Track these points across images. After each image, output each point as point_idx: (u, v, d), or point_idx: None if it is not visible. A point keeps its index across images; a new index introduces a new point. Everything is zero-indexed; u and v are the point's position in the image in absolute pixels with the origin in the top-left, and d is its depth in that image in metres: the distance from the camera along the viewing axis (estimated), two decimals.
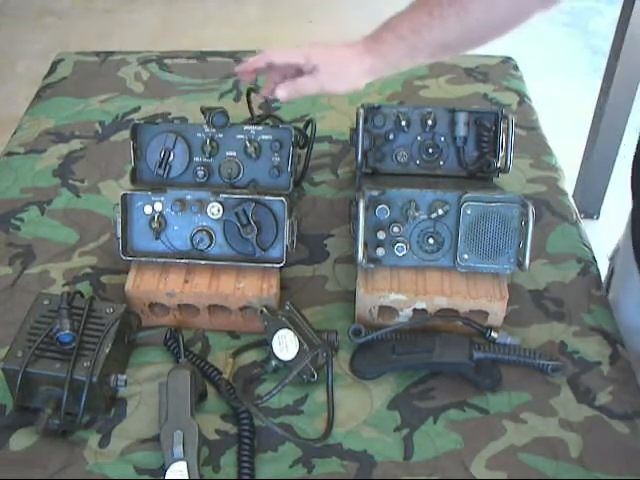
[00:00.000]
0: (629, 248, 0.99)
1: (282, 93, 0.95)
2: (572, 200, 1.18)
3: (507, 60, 1.46)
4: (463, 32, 0.92)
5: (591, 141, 2.19)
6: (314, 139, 1.12)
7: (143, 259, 0.95)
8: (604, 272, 1.06)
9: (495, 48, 1.09)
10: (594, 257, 1.07)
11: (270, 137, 0.98)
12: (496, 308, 0.92)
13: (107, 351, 0.84)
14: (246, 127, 0.98)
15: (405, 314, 0.93)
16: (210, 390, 0.88)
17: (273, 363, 0.89)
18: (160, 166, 0.97)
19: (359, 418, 0.86)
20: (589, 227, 1.23)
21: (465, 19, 0.90)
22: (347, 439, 0.84)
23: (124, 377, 0.85)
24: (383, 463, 0.82)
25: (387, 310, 0.94)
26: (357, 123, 1.00)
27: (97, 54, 1.48)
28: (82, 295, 0.91)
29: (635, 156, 0.97)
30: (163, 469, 0.78)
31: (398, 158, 1.04)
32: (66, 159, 1.22)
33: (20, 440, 0.84)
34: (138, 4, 3.30)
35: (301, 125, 1.13)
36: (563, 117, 2.49)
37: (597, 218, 2.29)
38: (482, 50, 1.03)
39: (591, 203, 2.27)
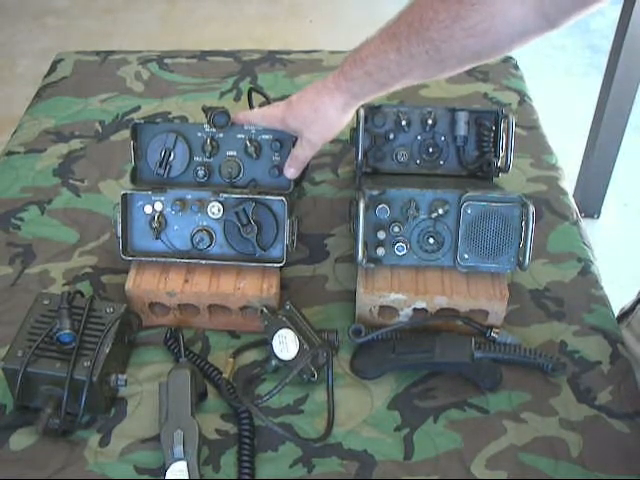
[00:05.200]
0: None
1: (289, 174, 0.97)
2: (572, 199, 1.17)
3: (507, 59, 1.46)
4: (435, 67, 0.85)
5: (591, 140, 2.18)
6: None
7: (143, 259, 0.95)
8: (604, 272, 1.06)
9: None
10: (594, 257, 1.07)
11: (270, 137, 0.98)
12: (496, 307, 0.92)
13: (107, 351, 0.84)
14: (246, 127, 0.98)
15: (405, 314, 0.93)
16: (210, 390, 0.88)
17: (273, 363, 0.89)
18: (160, 166, 0.97)
19: (359, 418, 0.86)
20: (589, 226, 1.23)
21: (436, 57, 0.82)
22: (347, 439, 0.84)
23: (124, 377, 0.85)
24: (383, 463, 0.82)
25: (387, 310, 0.94)
26: (357, 123, 1.00)
27: (97, 53, 1.48)
28: (82, 295, 0.91)
29: None
30: (163, 469, 0.78)
31: (398, 158, 1.04)
32: (66, 159, 1.22)
33: (20, 440, 0.84)
34: (138, 4, 3.30)
35: None
36: (563, 116, 2.48)
37: (597, 217, 2.29)
38: None
39: (591, 202, 2.27)
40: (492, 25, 0.78)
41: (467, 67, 0.87)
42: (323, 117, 0.92)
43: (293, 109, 0.94)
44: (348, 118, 0.95)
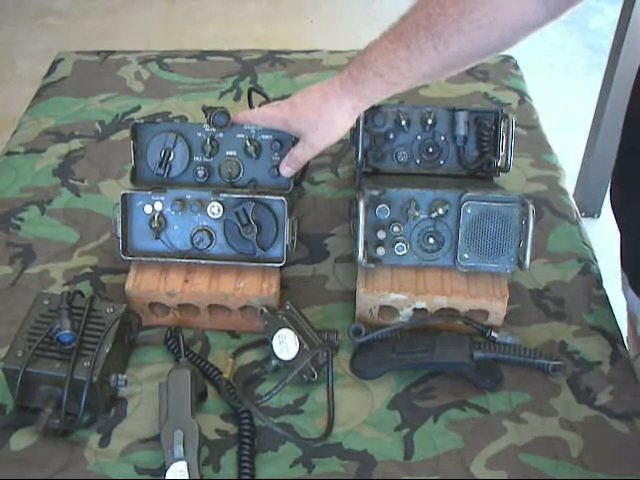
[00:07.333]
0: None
1: (285, 172, 0.97)
2: (572, 199, 1.17)
3: (507, 59, 1.46)
4: (443, 63, 0.87)
5: (592, 140, 2.18)
6: None
7: (143, 259, 0.95)
8: (605, 272, 1.06)
9: None
10: (594, 256, 1.07)
11: (270, 137, 0.98)
12: (496, 307, 0.92)
13: (107, 351, 0.84)
14: (246, 126, 0.98)
15: (405, 314, 0.93)
16: (210, 390, 0.88)
17: (273, 363, 0.89)
18: (160, 166, 0.97)
19: (359, 418, 0.86)
20: (590, 226, 1.23)
21: (444, 52, 0.84)
22: (347, 439, 0.84)
23: (124, 377, 0.85)
24: (383, 463, 0.82)
25: (387, 310, 0.94)
26: (357, 122, 1.00)
27: (97, 53, 1.48)
28: (82, 295, 0.91)
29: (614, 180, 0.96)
30: (163, 469, 0.78)
31: (398, 157, 1.04)
32: (66, 159, 1.22)
33: (20, 440, 0.84)
34: (138, 4, 3.30)
35: None
36: (563, 116, 2.48)
37: (598, 217, 2.29)
38: None
39: (592, 202, 2.27)
40: (497, 17, 0.81)
41: (473, 63, 0.89)
42: (329, 122, 0.92)
43: (297, 111, 0.93)
44: (352, 122, 0.94)
